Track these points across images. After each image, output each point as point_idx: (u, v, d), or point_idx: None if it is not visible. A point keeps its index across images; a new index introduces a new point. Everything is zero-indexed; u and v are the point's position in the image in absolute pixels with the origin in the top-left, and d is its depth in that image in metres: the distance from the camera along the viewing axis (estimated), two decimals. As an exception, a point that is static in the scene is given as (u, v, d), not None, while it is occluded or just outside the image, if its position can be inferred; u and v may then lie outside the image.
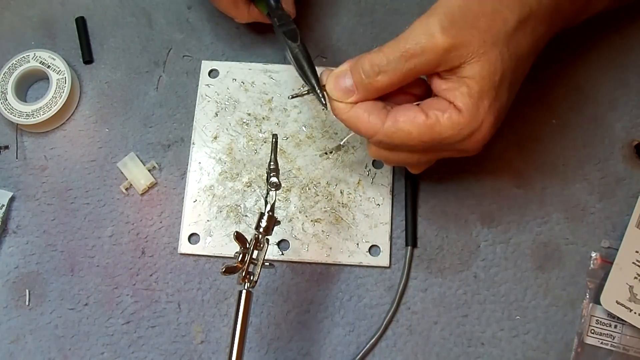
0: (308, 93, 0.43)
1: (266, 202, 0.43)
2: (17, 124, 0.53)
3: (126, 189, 0.53)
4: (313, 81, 0.43)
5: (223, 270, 0.41)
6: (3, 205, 0.52)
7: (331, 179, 0.52)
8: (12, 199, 0.53)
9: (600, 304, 0.48)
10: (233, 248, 0.49)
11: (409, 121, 0.38)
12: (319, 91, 0.42)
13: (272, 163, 0.44)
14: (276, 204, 0.43)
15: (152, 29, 0.58)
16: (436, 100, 0.39)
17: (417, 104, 0.40)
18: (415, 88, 0.42)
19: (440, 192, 0.52)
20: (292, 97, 0.44)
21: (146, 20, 0.58)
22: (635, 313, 0.47)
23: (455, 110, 0.38)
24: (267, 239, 0.43)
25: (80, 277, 0.51)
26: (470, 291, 0.50)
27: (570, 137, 0.53)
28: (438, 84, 0.39)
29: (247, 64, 0.56)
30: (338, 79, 0.41)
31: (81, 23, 0.57)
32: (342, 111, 0.41)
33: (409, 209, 0.51)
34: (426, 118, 0.38)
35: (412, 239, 0.51)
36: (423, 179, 0.52)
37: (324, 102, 0.42)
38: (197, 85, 0.55)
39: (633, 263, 0.49)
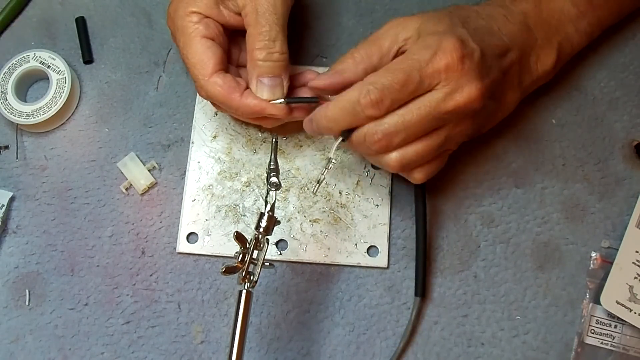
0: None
1: (266, 202, 0.43)
2: (17, 124, 0.53)
3: (126, 189, 0.53)
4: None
5: (223, 270, 0.41)
6: (3, 205, 0.52)
7: (330, 179, 0.52)
8: (12, 199, 0.53)
9: (600, 304, 0.48)
10: (231, 247, 0.50)
11: (387, 65, 0.42)
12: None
13: (272, 163, 0.44)
14: (275, 204, 0.43)
15: (152, 29, 0.58)
16: None
17: None
18: None
19: (440, 192, 0.52)
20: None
21: (146, 20, 0.58)
22: (635, 313, 0.47)
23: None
24: (267, 239, 0.43)
25: (80, 277, 0.51)
26: (470, 291, 0.50)
27: (570, 137, 0.53)
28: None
29: (247, 64, 0.56)
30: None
31: (81, 23, 0.57)
32: (322, 109, 0.44)
33: (420, 255, 0.49)
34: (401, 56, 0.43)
35: (421, 289, 0.49)
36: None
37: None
38: (197, 85, 0.55)
39: (633, 263, 0.49)
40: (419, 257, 0.49)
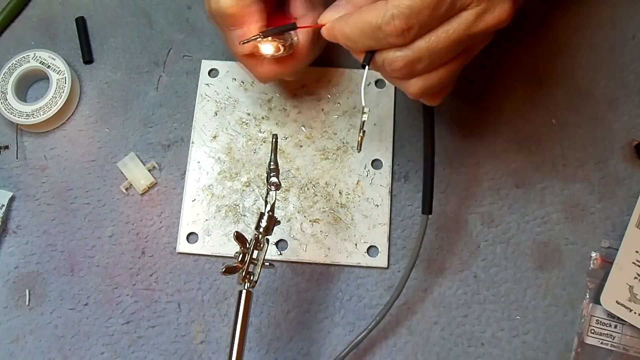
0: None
1: (266, 202, 0.43)
2: (17, 124, 0.53)
3: (126, 189, 0.53)
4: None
5: (223, 270, 0.41)
6: (3, 205, 0.52)
7: (330, 179, 0.52)
8: (12, 199, 0.53)
9: (600, 304, 0.48)
10: (231, 248, 0.50)
11: None
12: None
13: (272, 163, 0.44)
14: (275, 204, 0.43)
15: (152, 29, 0.58)
16: None
17: None
18: None
19: (440, 192, 0.52)
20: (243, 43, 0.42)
21: (146, 20, 0.58)
22: (635, 313, 0.47)
23: None
24: (267, 239, 0.43)
25: (80, 277, 0.51)
26: (470, 291, 0.50)
27: (570, 137, 0.53)
28: None
29: (247, 64, 0.56)
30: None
31: (81, 23, 0.57)
32: (341, 23, 0.39)
33: (428, 173, 0.45)
34: None
35: (428, 206, 0.46)
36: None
37: None
38: (197, 85, 0.55)
39: (633, 263, 0.49)
40: (427, 174, 0.46)
